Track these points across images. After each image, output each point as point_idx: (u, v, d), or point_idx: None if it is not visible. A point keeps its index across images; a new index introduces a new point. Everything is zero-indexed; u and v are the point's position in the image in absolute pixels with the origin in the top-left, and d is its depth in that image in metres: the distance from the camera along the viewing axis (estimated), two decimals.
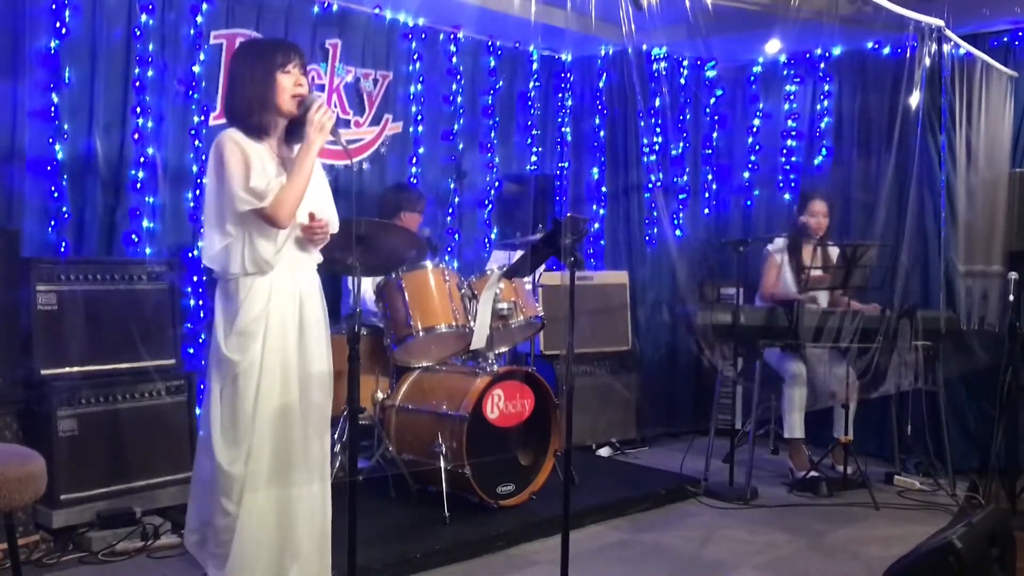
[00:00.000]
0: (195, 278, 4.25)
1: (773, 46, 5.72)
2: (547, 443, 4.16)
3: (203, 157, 4.30)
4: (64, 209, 3.91)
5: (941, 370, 4.77)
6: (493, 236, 5.69)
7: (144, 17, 4.11)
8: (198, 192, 4.30)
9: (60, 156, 3.90)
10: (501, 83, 5.71)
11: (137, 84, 4.11)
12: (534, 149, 5.97)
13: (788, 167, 5.95)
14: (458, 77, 5.45)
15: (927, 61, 4.48)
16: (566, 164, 6.12)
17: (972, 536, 2.66)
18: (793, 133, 5.93)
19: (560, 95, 6.10)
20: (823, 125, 5.80)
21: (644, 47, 5.32)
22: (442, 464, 3.84)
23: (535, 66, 5.93)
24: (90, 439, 3.56)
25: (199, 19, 4.31)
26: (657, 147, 5.80)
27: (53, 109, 3.87)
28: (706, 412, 5.30)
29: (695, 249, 5.98)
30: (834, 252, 4.91)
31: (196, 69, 4.30)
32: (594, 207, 6.04)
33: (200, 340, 4.19)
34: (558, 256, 3.04)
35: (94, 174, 4.00)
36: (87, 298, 3.65)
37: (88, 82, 4.00)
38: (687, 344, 5.71)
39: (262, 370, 2.72)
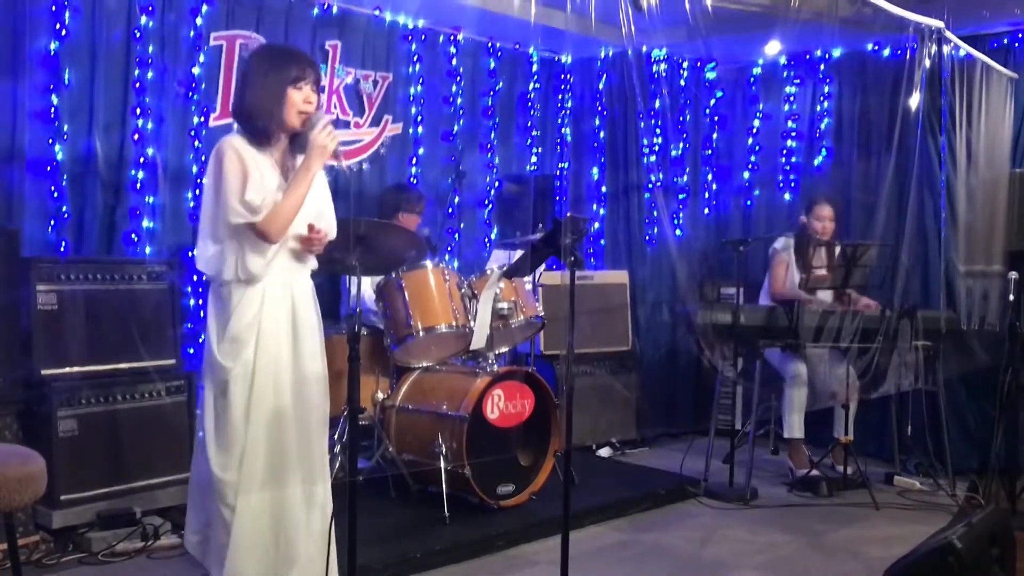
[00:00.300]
0: (195, 278, 4.25)
1: (773, 47, 5.72)
2: (547, 443, 4.16)
3: (203, 158, 4.31)
4: (64, 209, 3.91)
5: (941, 370, 4.77)
6: (493, 236, 5.69)
7: (144, 18, 4.11)
8: (198, 192, 4.30)
9: (60, 156, 3.90)
10: (501, 84, 5.72)
11: (137, 85, 4.11)
12: (534, 150, 5.97)
13: (788, 168, 5.95)
14: (458, 78, 5.46)
15: (927, 62, 4.49)
16: (566, 164, 6.13)
17: (972, 536, 2.67)
18: (793, 134, 5.94)
19: (560, 96, 6.10)
20: (823, 126, 5.80)
21: (644, 48, 5.33)
22: (442, 464, 3.84)
23: (535, 67, 5.93)
24: (90, 439, 3.56)
25: (199, 20, 4.32)
26: (657, 148, 5.80)
27: (53, 110, 3.87)
28: (706, 412, 5.30)
29: (695, 249, 5.98)
30: (838, 252, 4.91)
31: (196, 70, 4.31)
32: (594, 207, 6.05)
33: (200, 340, 4.18)
34: (558, 256, 3.04)
35: (94, 174, 4.01)
36: (87, 298, 3.64)
37: (88, 83, 4.00)
38: (687, 344, 5.72)
39: (254, 376, 2.71)
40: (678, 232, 5.96)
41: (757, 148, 6.13)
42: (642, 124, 5.65)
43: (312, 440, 2.83)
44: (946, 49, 4.58)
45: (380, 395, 4.23)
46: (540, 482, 4.12)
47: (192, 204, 4.32)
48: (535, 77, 5.94)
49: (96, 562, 3.42)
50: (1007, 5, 4.70)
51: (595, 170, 6.07)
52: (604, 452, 5.41)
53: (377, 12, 5.05)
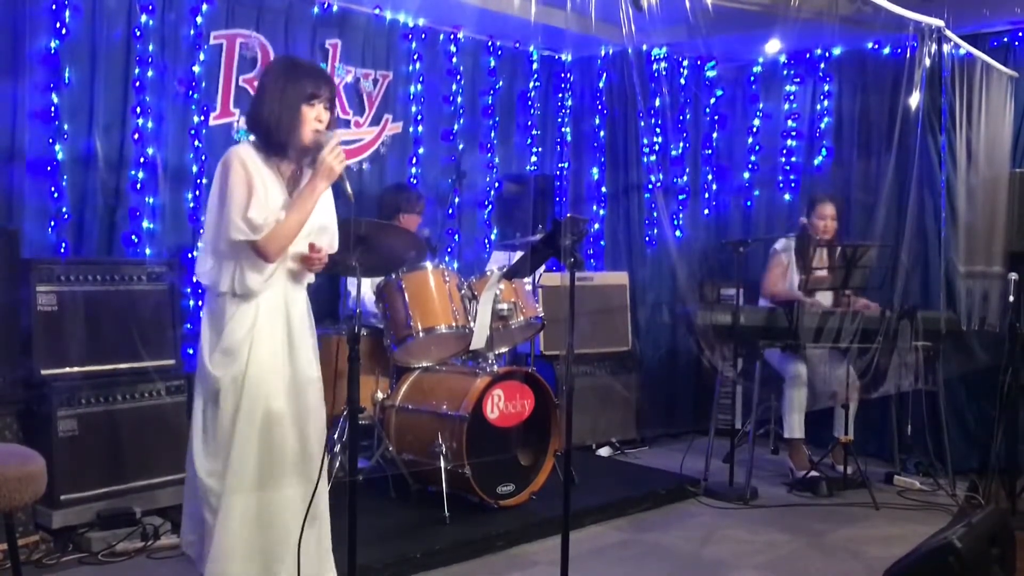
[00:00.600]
0: (195, 279, 4.23)
1: (773, 46, 5.72)
2: (547, 443, 4.16)
3: (203, 157, 4.31)
4: (64, 209, 3.91)
5: (941, 370, 4.77)
6: (493, 236, 5.69)
7: (144, 17, 4.11)
8: (198, 192, 4.31)
9: (60, 156, 3.90)
10: (501, 83, 5.71)
11: (137, 84, 4.11)
12: (534, 149, 5.97)
13: (788, 167, 5.95)
14: (458, 77, 5.45)
15: (927, 61, 4.48)
16: (566, 164, 6.13)
17: (972, 536, 2.67)
18: (793, 133, 5.93)
19: (560, 95, 6.10)
20: (823, 125, 5.80)
21: (644, 47, 5.33)
22: (442, 464, 3.84)
23: (535, 66, 5.93)
24: (90, 439, 3.56)
25: (199, 19, 4.31)
26: (657, 147, 5.80)
27: (53, 109, 3.87)
28: (706, 412, 5.30)
29: (695, 249, 5.98)
30: (838, 252, 4.91)
31: (196, 69, 4.30)
32: (594, 207, 6.05)
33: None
34: (558, 257, 3.04)
35: (94, 174, 4.00)
36: (87, 298, 3.64)
37: (88, 82, 4.00)
38: (687, 344, 5.71)
39: (244, 386, 2.70)
40: (678, 233, 5.96)
41: (757, 148, 6.13)
42: (642, 123, 5.65)
43: (312, 448, 2.82)
44: (946, 48, 4.58)
45: (380, 395, 4.23)
46: (540, 482, 4.12)
47: (192, 205, 4.32)
48: (535, 76, 5.94)
49: (96, 562, 3.42)
50: (1007, 4, 4.69)
51: (595, 170, 6.07)
52: (604, 452, 5.41)
53: (377, 11, 5.04)
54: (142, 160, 4.11)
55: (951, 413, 4.97)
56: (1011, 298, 4.45)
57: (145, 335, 3.77)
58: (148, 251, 4.10)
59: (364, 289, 4.24)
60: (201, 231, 4.23)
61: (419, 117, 5.29)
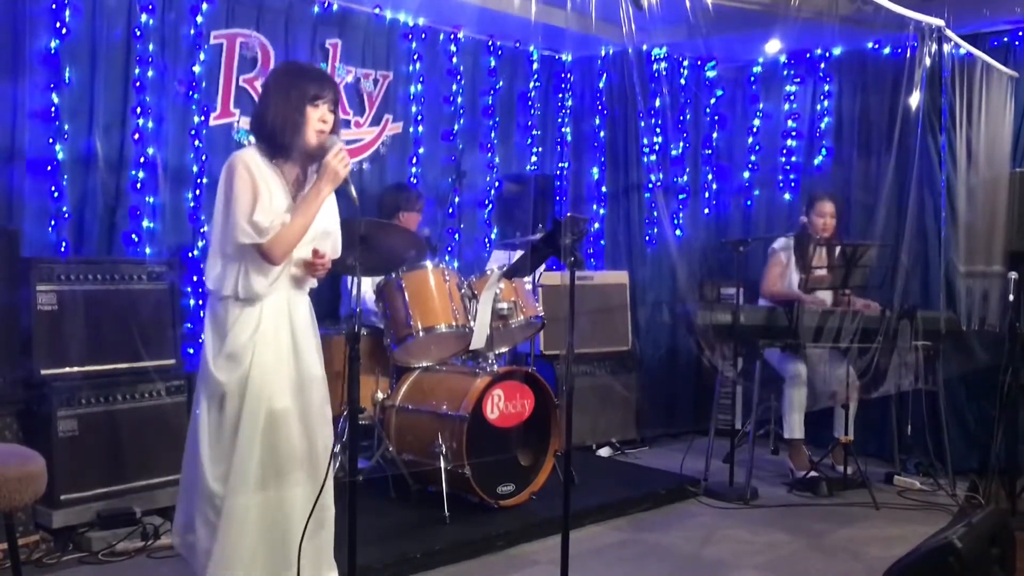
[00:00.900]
0: (195, 278, 4.25)
1: (773, 46, 5.72)
2: (547, 443, 4.16)
3: (203, 157, 4.31)
4: (64, 209, 3.91)
5: (941, 370, 4.77)
6: (493, 236, 5.69)
7: (144, 17, 4.11)
8: (198, 192, 4.31)
9: (60, 156, 3.90)
10: (501, 83, 5.71)
11: (137, 84, 4.11)
12: (534, 149, 5.97)
13: (788, 167, 5.95)
14: (458, 77, 5.45)
15: (927, 61, 4.48)
16: (566, 164, 6.12)
17: (972, 536, 2.67)
18: (793, 133, 5.93)
19: (560, 95, 6.10)
20: (823, 125, 5.80)
21: (644, 47, 5.33)
22: (442, 464, 3.84)
23: (535, 66, 5.93)
24: (90, 439, 3.56)
25: (199, 19, 4.31)
26: (657, 147, 5.80)
27: (53, 109, 3.87)
28: (706, 412, 5.30)
29: (695, 249, 5.98)
30: (837, 252, 4.91)
31: (196, 69, 4.30)
32: (594, 207, 6.05)
33: (200, 340, 4.18)
34: (558, 256, 3.04)
35: (94, 174, 4.00)
36: (87, 298, 3.64)
37: (88, 82, 3.99)
38: (687, 344, 5.71)
39: (248, 389, 2.70)
40: (678, 232, 5.96)
41: (757, 148, 6.13)
42: (642, 123, 5.65)
43: (316, 447, 2.82)
44: (946, 48, 4.58)
45: (380, 395, 4.23)
46: (540, 482, 4.12)
47: (192, 204, 4.32)
48: (535, 76, 5.94)
49: (96, 562, 3.42)
50: (1007, 4, 4.69)
51: (595, 170, 6.07)
52: (604, 452, 5.41)
53: (377, 10, 5.04)
54: (142, 160, 4.11)
55: (951, 413, 4.97)
56: (1011, 298, 4.45)
57: (145, 335, 3.77)
58: (148, 251, 4.10)
59: (364, 288, 4.24)
60: (203, 231, 4.25)
61: (419, 117, 5.29)
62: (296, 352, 2.80)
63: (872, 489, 4.51)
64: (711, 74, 6.18)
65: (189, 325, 4.18)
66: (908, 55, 4.44)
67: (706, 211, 6.22)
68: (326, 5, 4.81)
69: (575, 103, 6.14)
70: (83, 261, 3.76)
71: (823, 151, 5.80)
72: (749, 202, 6.18)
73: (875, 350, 4.45)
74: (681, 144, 5.99)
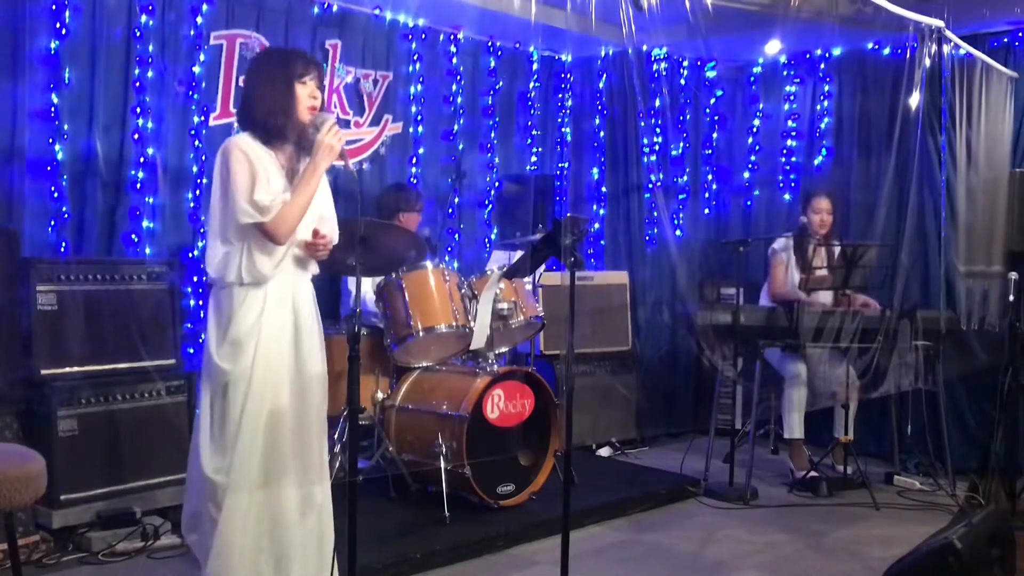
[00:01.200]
0: (195, 278, 4.25)
1: (773, 46, 5.72)
2: (547, 443, 4.16)
3: (203, 157, 4.31)
4: (64, 209, 3.91)
5: (941, 370, 4.77)
6: (493, 236, 5.69)
7: (144, 17, 4.11)
8: (198, 192, 4.30)
9: (60, 156, 3.90)
10: (501, 83, 5.71)
11: (137, 84, 4.11)
12: (534, 149, 5.97)
13: (788, 167, 5.95)
14: (458, 77, 5.45)
15: (927, 62, 4.48)
16: (566, 164, 6.12)
17: (972, 536, 2.67)
18: (793, 133, 5.93)
19: (560, 95, 6.10)
20: (823, 125, 5.80)
21: (644, 48, 5.32)
22: (442, 464, 3.84)
23: (535, 67, 5.93)
24: (90, 439, 3.56)
25: (199, 20, 4.31)
26: (657, 147, 5.80)
27: (53, 109, 3.87)
28: (706, 412, 5.29)
29: (695, 249, 5.98)
30: (837, 252, 4.91)
31: (196, 70, 4.30)
32: (594, 207, 6.05)
33: (200, 340, 4.18)
34: (558, 256, 3.04)
35: (94, 174, 4.00)
36: (87, 298, 3.64)
37: (88, 82, 3.99)
38: (687, 344, 5.71)
39: (252, 379, 2.71)
40: (678, 232, 5.97)
41: (757, 148, 6.13)
42: (642, 124, 5.65)
43: (311, 442, 2.82)
44: (946, 48, 4.58)
45: (380, 395, 4.23)
46: (540, 482, 4.12)
47: (192, 204, 4.32)
48: (535, 76, 5.94)
49: (96, 562, 3.42)
50: (1007, 4, 4.69)
51: (595, 170, 6.07)
52: (604, 452, 5.41)
53: (377, 11, 5.04)
54: (142, 160, 4.11)
55: (951, 413, 4.96)
56: (1011, 298, 4.44)
57: (145, 335, 3.77)
58: (148, 251, 4.10)
59: (364, 288, 4.24)
60: (203, 231, 4.24)
61: (419, 117, 5.29)
62: (298, 343, 2.80)
63: (872, 489, 4.51)
64: (711, 74, 6.18)
65: (189, 325, 4.18)
66: (908, 56, 4.44)
67: (706, 211, 6.22)
68: (326, 6, 4.81)
69: (575, 103, 6.14)
70: (83, 261, 3.75)
71: (823, 151, 5.80)
72: (749, 202, 6.18)
73: (875, 350, 4.45)
74: (681, 144, 5.99)
